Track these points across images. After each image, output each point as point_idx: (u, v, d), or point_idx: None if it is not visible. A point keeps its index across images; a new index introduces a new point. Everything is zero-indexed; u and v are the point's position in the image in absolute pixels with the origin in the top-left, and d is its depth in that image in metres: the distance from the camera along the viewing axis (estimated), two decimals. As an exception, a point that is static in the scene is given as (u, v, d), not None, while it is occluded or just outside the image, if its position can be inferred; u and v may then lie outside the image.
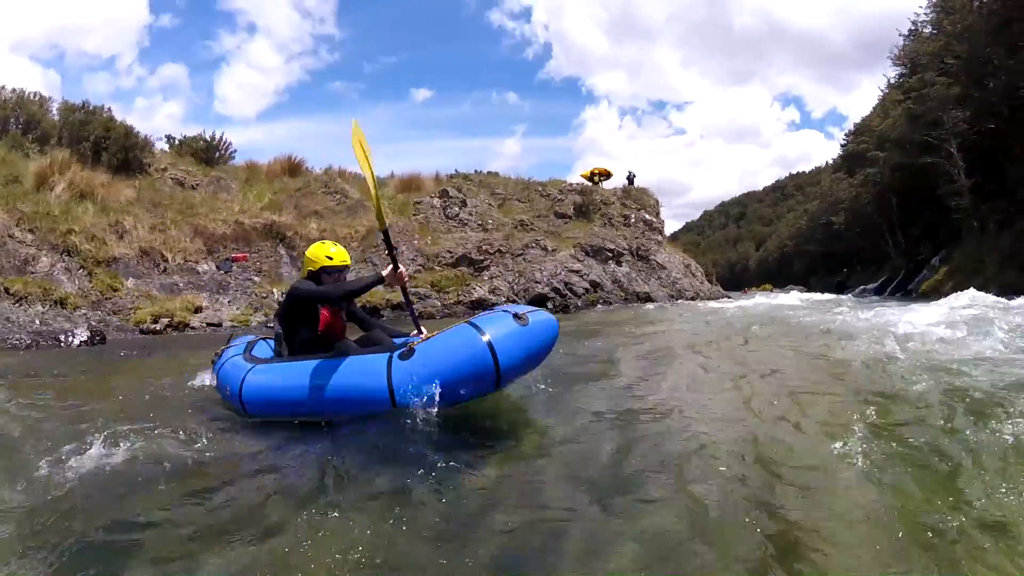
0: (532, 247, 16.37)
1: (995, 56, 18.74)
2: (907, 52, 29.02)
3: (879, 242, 40.06)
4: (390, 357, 2.82)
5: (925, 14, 25.68)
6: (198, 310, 11.29)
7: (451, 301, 14.34)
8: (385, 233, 3.46)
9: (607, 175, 23.07)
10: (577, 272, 15.93)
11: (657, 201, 23.17)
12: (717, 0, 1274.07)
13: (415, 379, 2.68)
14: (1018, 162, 19.15)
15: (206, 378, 4.16)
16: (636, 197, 22.16)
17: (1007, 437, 2.21)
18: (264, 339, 4.06)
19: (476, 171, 23.00)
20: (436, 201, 18.37)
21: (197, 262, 13.18)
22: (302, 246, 14.83)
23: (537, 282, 15.10)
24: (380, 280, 3.16)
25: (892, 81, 33.34)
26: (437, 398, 2.63)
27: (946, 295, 9.06)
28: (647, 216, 21.28)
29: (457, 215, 17.87)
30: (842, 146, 53.14)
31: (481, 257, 15.89)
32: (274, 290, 12.93)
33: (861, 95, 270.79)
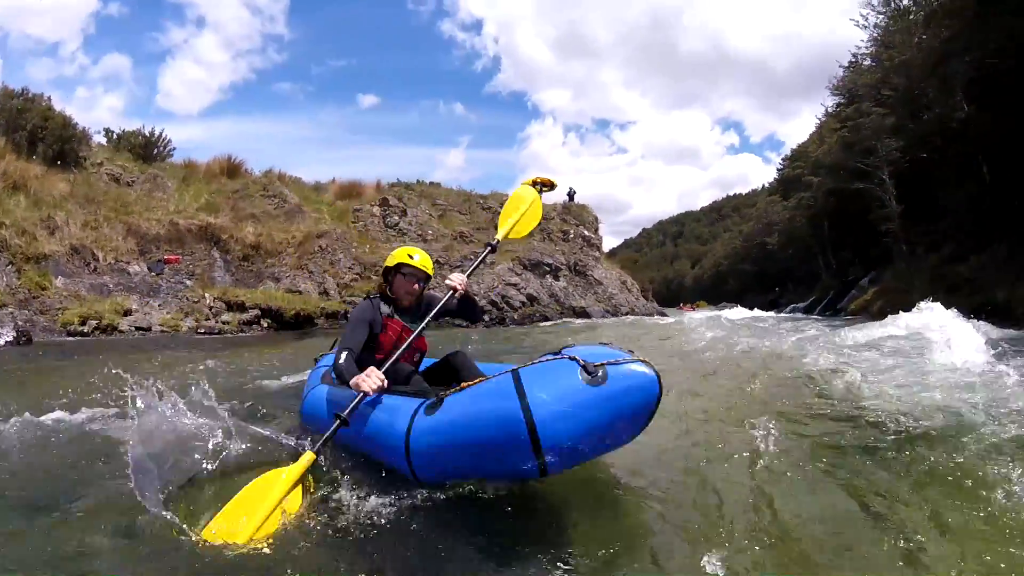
0: (471, 259, 17.03)
1: (930, 90, 19.88)
2: (846, 83, 30.64)
3: (811, 263, 42.02)
4: (415, 410, 2.15)
5: (866, 47, 27.19)
6: (127, 313, 10.91)
7: None
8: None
9: (551, 185, 23.20)
10: (515, 285, 16.27)
11: (596, 218, 23.83)
12: (664, 24, 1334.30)
13: (432, 444, 2.03)
14: (947, 190, 20.35)
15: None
16: (576, 213, 22.67)
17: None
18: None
19: (418, 181, 23.24)
20: (376, 209, 18.37)
21: (129, 263, 12.80)
22: (237, 250, 14.78)
23: (475, 295, 14.97)
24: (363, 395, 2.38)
25: (830, 110, 35.19)
26: (454, 473, 2.07)
27: (874, 315, 9.61)
28: (586, 232, 21.84)
29: (397, 224, 17.97)
30: (779, 170, 56.00)
31: None
32: (206, 295, 12.48)
33: (799, 122, 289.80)
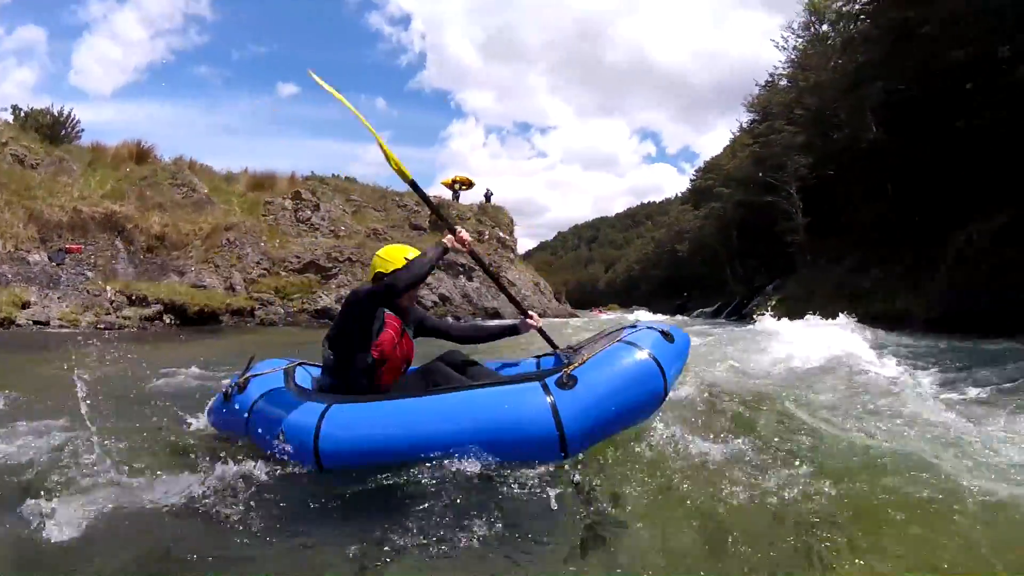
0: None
1: (842, 112, 21.34)
2: (761, 101, 32.55)
3: (719, 270, 44.39)
4: (543, 386, 2.21)
5: (783, 68, 28.97)
6: (25, 305, 10.44)
7: (295, 309, 13.99)
8: (414, 185, 3.03)
9: (468, 184, 23.98)
10: (427, 285, 16.00)
11: (512, 220, 24.31)
12: (592, 34, 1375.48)
13: (587, 416, 2.16)
14: (851, 205, 21.99)
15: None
16: (492, 214, 23.06)
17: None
18: (304, 364, 3.16)
19: (334, 175, 23.56)
20: (288, 203, 17.85)
21: (29, 251, 12.22)
22: (141, 241, 14.05)
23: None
24: (445, 250, 2.71)
25: (744, 126, 37.26)
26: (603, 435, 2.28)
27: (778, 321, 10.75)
28: (501, 234, 22.25)
29: (309, 219, 17.55)
30: (692, 181, 58.96)
31: (330, 264, 15.59)
32: (108, 288, 11.79)
33: (714, 136, 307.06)
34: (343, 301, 2.74)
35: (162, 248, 14.61)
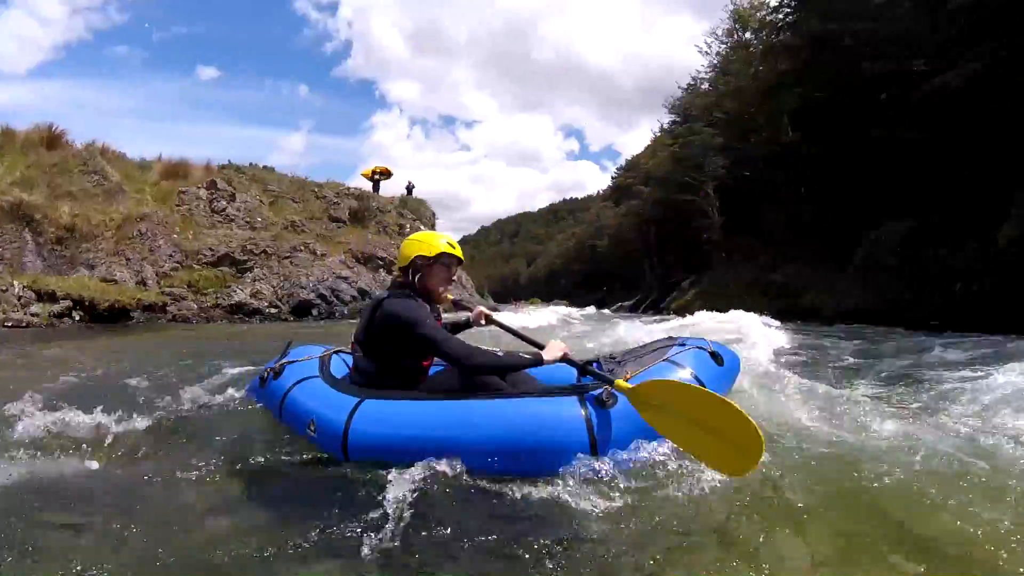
0: (301, 250, 15.94)
1: (759, 116, 22.49)
2: (683, 103, 33.77)
3: (637, 266, 45.84)
4: (581, 400, 2.08)
5: (705, 72, 30.18)
6: None
7: (209, 304, 13.52)
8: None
9: (387, 173, 23.83)
10: (345, 279, 15.84)
11: (433, 213, 24.28)
12: (521, 31, 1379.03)
13: (621, 439, 2.03)
14: (766, 206, 23.29)
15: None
16: (413, 207, 22.81)
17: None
18: (340, 352, 3.15)
19: (251, 164, 22.31)
20: (203, 192, 17.10)
21: None
22: (51, 232, 13.48)
23: (303, 287, 14.74)
24: (538, 362, 2.39)
25: (665, 126, 38.53)
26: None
27: (692, 314, 11.63)
28: (422, 227, 22.03)
29: (224, 210, 16.83)
30: (613, 178, 60.65)
31: (245, 257, 15.10)
32: (15, 283, 11.00)
33: (636, 135, 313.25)
34: (388, 315, 2.43)
35: (72, 240, 13.81)
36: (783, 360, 5.08)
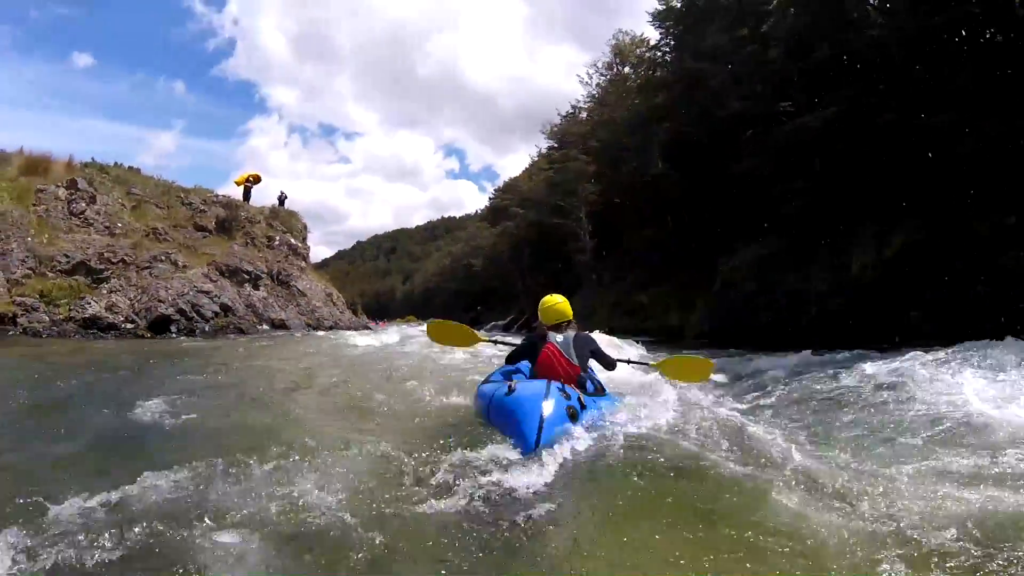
0: (162, 260, 15.05)
1: (631, 146, 23.76)
2: (560, 129, 34.99)
3: (510, 285, 46.42)
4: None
5: (583, 102, 31.49)
6: None
7: (61, 317, 12.38)
8: None
9: (257, 179, 22.71)
10: (208, 293, 14.88)
11: (305, 226, 23.46)
12: (407, 46, 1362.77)
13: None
14: (632, 231, 24.57)
15: None
16: (284, 219, 21.99)
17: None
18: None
19: (116, 163, 20.52)
20: (63, 192, 15.58)
21: None
22: None
23: (161, 301, 13.85)
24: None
25: (542, 151, 39.74)
26: None
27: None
28: (292, 240, 21.29)
29: (83, 212, 15.44)
30: (490, 199, 61.11)
31: (102, 266, 14.05)
32: None
33: (515, 158, 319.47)
34: (586, 340, 4.24)
35: (-84, 244, 11.78)
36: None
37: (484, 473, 2.54)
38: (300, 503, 2.14)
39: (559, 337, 3.99)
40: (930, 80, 10.24)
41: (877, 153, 10.89)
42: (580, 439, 3.04)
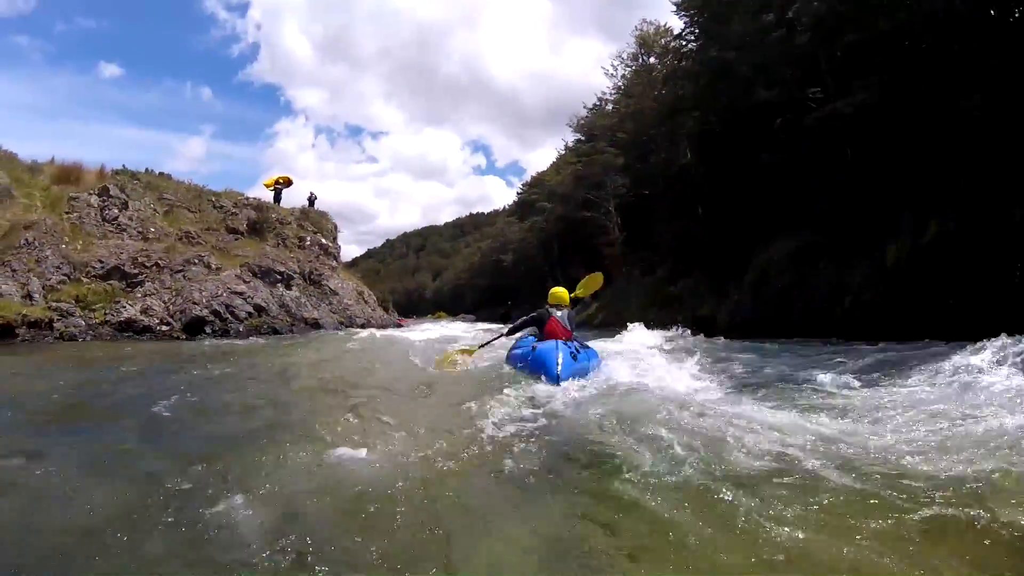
0: (195, 263, 15.27)
1: (659, 138, 23.60)
2: (587, 123, 34.85)
3: (541, 280, 46.41)
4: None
5: (609, 94, 31.32)
6: None
7: (97, 320, 12.59)
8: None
9: (288, 182, 23.14)
10: (241, 294, 15.15)
11: (335, 226, 23.77)
12: (429, 45, 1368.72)
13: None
14: (662, 223, 24.41)
15: None
16: (314, 220, 22.29)
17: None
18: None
19: (147, 170, 21.02)
20: (95, 199, 15.92)
21: None
22: None
23: (196, 303, 14.06)
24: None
25: (569, 145, 39.59)
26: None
27: (596, 327, 12.69)
28: (323, 240, 21.54)
29: (116, 219, 15.98)
30: (518, 194, 61.34)
31: (136, 270, 14.31)
32: None
33: (542, 153, 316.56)
34: (572, 316, 6.37)
35: (-48, 249, 12.42)
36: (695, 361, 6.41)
37: (529, 401, 4.23)
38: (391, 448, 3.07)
39: (559, 312, 6.10)
40: (961, 63, 9.97)
41: (910, 140, 10.67)
42: (581, 374, 5.01)
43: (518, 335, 6.40)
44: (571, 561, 1.90)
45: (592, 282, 7.67)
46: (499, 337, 6.71)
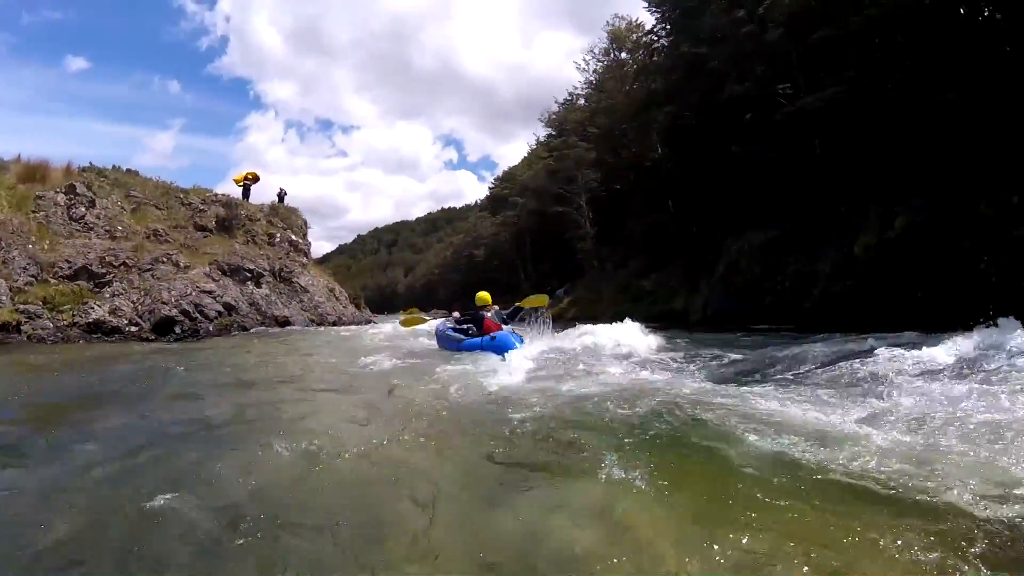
0: (163, 262, 15.11)
1: (630, 132, 23.69)
2: (558, 117, 34.78)
3: (513, 274, 46.39)
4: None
5: (581, 88, 31.29)
6: None
7: (65, 322, 12.32)
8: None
9: (255, 178, 22.86)
10: (210, 293, 14.98)
11: (305, 222, 23.59)
12: (403, 37, 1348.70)
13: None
14: (634, 218, 24.54)
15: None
16: (284, 216, 22.11)
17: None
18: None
19: (114, 166, 20.80)
20: (61, 198, 15.62)
21: None
22: None
23: (164, 303, 13.91)
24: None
25: (541, 139, 39.51)
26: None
27: (568, 320, 12.72)
28: (293, 236, 21.37)
29: (83, 217, 15.51)
30: (490, 189, 61.05)
31: (104, 270, 14.09)
32: None
33: (513, 147, 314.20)
34: (499, 312, 8.05)
35: (-82, 252, 11.72)
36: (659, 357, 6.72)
37: (487, 372, 5.35)
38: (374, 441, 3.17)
39: (489, 312, 7.67)
40: (932, 60, 10.21)
41: (879, 134, 10.89)
42: (524, 350, 6.38)
43: (462, 327, 7.78)
44: (541, 558, 1.89)
45: (537, 300, 8.48)
46: (446, 320, 8.45)
